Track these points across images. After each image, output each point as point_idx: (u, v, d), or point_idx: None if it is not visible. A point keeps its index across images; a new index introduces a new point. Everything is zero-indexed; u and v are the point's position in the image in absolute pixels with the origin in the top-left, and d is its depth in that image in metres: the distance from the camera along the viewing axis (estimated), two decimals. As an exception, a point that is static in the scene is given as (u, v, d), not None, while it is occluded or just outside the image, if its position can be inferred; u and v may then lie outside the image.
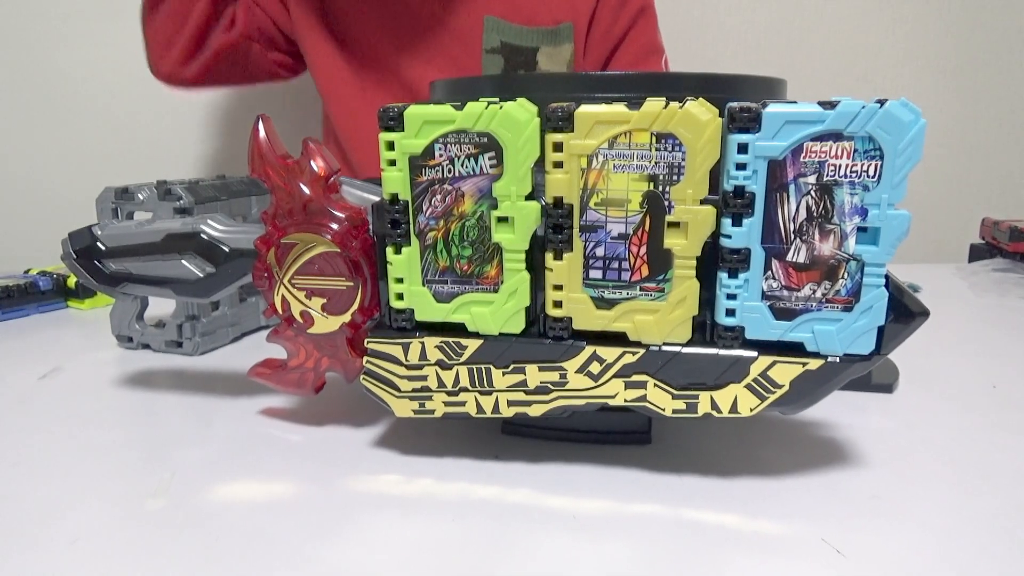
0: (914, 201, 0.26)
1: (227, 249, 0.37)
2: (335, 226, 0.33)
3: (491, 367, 0.32)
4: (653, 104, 0.28)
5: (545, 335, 0.32)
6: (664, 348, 0.31)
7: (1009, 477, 0.33)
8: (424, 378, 0.33)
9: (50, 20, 1.22)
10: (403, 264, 0.32)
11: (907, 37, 1.38)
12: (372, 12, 0.86)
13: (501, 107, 0.29)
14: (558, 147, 0.29)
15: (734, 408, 0.31)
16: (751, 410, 0.31)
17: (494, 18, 0.86)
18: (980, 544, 0.28)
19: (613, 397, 0.32)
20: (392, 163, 0.31)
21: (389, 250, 0.32)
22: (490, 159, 0.30)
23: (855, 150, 0.27)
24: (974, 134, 1.40)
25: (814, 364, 0.30)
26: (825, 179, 0.28)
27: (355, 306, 0.34)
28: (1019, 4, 1.34)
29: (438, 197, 0.31)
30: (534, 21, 0.88)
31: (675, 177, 0.29)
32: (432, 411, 0.34)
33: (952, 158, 1.40)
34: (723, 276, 0.30)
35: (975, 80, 1.39)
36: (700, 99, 0.28)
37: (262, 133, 0.34)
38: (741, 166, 0.28)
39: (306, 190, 0.33)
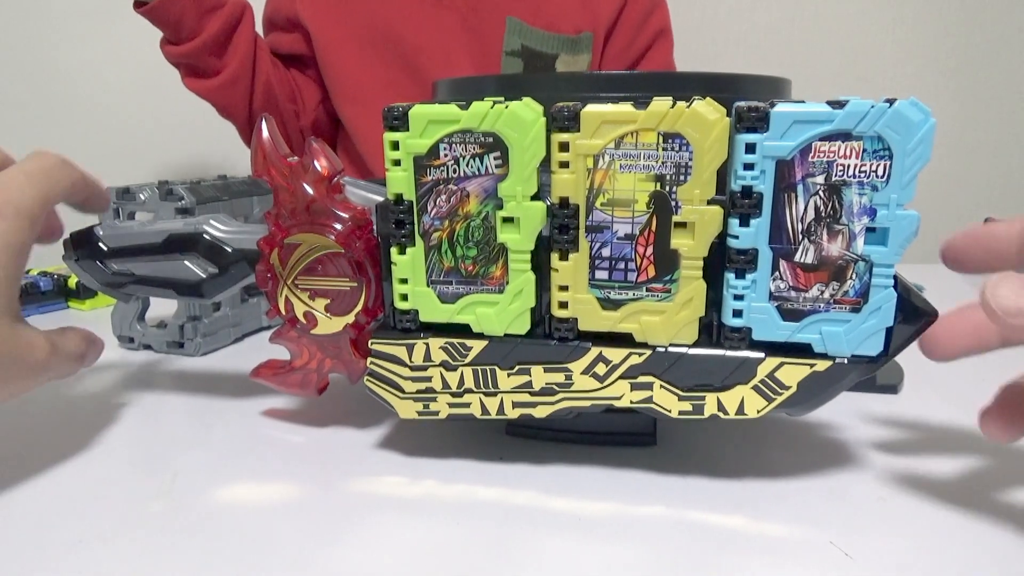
0: (915, 201, 0.26)
1: (230, 250, 0.36)
2: (339, 226, 0.33)
3: (496, 368, 0.32)
4: (660, 103, 0.28)
5: (551, 336, 0.32)
6: (670, 349, 0.31)
7: (1018, 479, 0.33)
8: (428, 379, 0.33)
9: (50, 20, 1.22)
10: (407, 265, 0.32)
11: (907, 37, 1.38)
12: (395, 8, 0.85)
13: (507, 107, 0.29)
14: (564, 147, 0.29)
15: (741, 410, 0.31)
16: (758, 412, 0.30)
17: (516, 20, 0.86)
18: (988, 547, 0.28)
19: (619, 398, 0.32)
20: (396, 163, 0.31)
21: (393, 250, 0.32)
22: (495, 159, 0.30)
23: (864, 150, 0.27)
24: (974, 134, 1.40)
25: (822, 365, 0.29)
26: (833, 179, 0.27)
27: (359, 307, 0.34)
28: (1019, 4, 1.34)
29: (443, 197, 0.31)
30: (555, 27, 0.87)
31: (682, 177, 0.29)
32: (436, 412, 0.34)
33: (952, 158, 1.40)
34: (730, 277, 0.29)
35: (975, 80, 1.38)
36: (707, 98, 0.28)
37: (265, 133, 0.34)
38: (749, 166, 0.28)
39: (310, 190, 0.33)
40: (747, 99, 0.28)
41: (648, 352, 0.31)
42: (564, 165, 0.29)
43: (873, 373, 0.30)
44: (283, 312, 0.35)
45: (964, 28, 1.38)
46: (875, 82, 1.41)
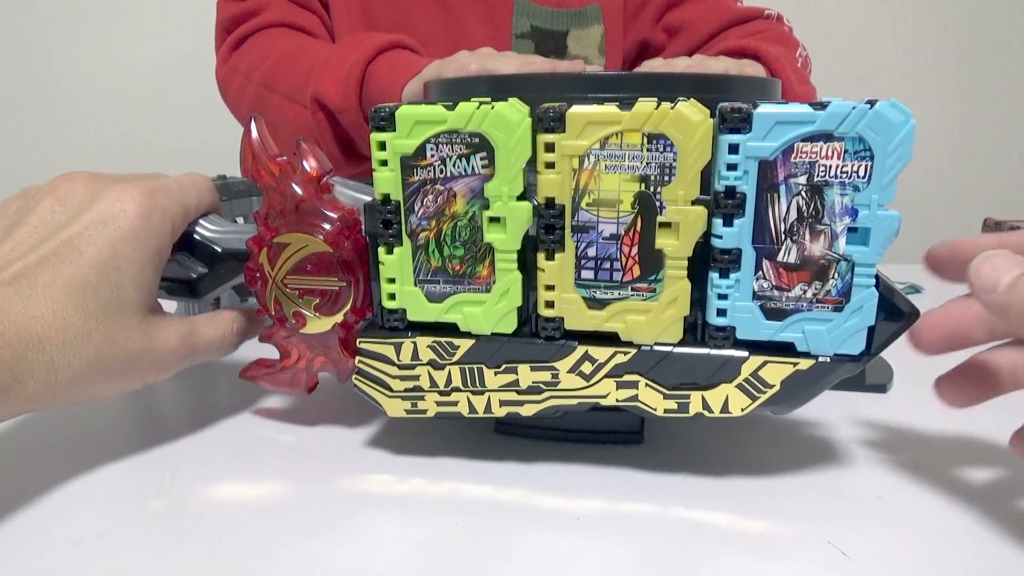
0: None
1: (219, 250, 0.37)
2: (327, 226, 0.34)
3: (483, 367, 0.33)
4: (644, 105, 0.28)
5: (537, 335, 0.32)
6: (655, 348, 0.31)
7: (1013, 477, 0.33)
8: (416, 378, 0.33)
9: (49, 20, 1.23)
10: (395, 264, 0.32)
11: (907, 37, 1.38)
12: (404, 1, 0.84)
13: (492, 107, 0.29)
14: (550, 147, 0.29)
15: (725, 408, 0.31)
16: (742, 410, 0.31)
17: (524, 1, 0.85)
18: (988, 547, 0.28)
19: (605, 397, 0.32)
20: (384, 163, 0.31)
21: (381, 250, 0.32)
22: (482, 159, 0.30)
23: (845, 151, 0.27)
24: (974, 134, 1.40)
25: (804, 364, 0.30)
26: (815, 180, 0.28)
27: (347, 306, 0.34)
28: (1019, 4, 1.34)
29: (430, 197, 0.31)
30: (563, 3, 0.86)
31: (666, 178, 0.29)
32: (424, 411, 0.34)
33: (953, 158, 1.40)
34: (714, 276, 0.30)
35: (975, 80, 1.39)
36: (691, 100, 0.28)
37: (255, 133, 0.34)
38: (732, 166, 0.28)
39: (298, 190, 0.34)
40: (733, 100, 0.28)
41: (633, 351, 0.31)
42: (550, 166, 0.29)
43: (855, 372, 0.30)
44: (272, 312, 0.35)
45: (964, 28, 1.38)
46: (875, 82, 1.41)
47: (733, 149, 0.28)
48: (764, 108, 0.27)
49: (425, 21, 0.85)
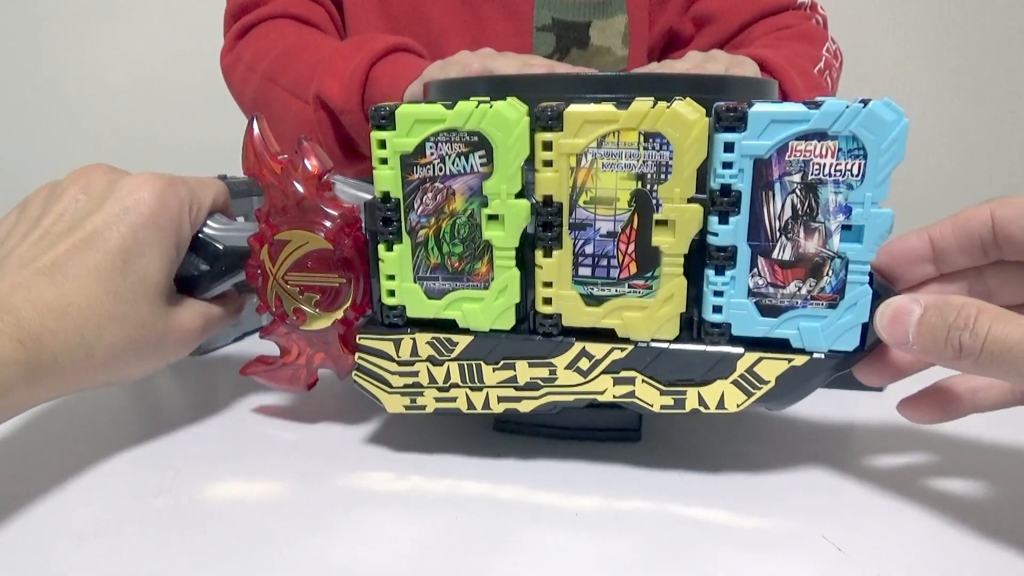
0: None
1: (221, 247, 0.37)
2: (328, 224, 0.34)
3: (481, 363, 0.33)
4: (641, 104, 0.28)
5: (535, 331, 0.32)
6: (652, 344, 0.31)
7: (1008, 474, 0.34)
8: (415, 374, 0.34)
9: (49, 20, 1.23)
10: (395, 261, 0.32)
11: (907, 37, 1.38)
12: None
13: (491, 106, 0.30)
14: (547, 146, 0.29)
15: (721, 404, 0.31)
16: (738, 406, 0.31)
17: None
18: (982, 543, 0.28)
19: (602, 393, 0.32)
20: (384, 161, 0.31)
21: (381, 247, 0.32)
22: (480, 158, 0.30)
23: (839, 149, 0.27)
24: (974, 134, 1.40)
25: (799, 360, 0.30)
26: (810, 178, 0.28)
27: (347, 303, 0.35)
28: (1019, 4, 1.34)
29: (429, 195, 0.31)
30: None
31: (663, 176, 0.29)
32: (423, 407, 0.34)
33: (952, 158, 1.40)
34: (710, 273, 0.30)
35: (975, 80, 1.39)
36: (687, 99, 0.29)
37: (256, 131, 0.35)
38: (727, 165, 0.28)
39: (300, 188, 0.34)
40: (730, 100, 0.28)
41: (630, 347, 0.31)
42: (548, 164, 0.30)
43: (849, 368, 0.30)
44: (272, 308, 0.36)
45: (964, 28, 1.38)
46: (875, 82, 1.41)
47: (728, 147, 0.28)
48: (759, 107, 0.28)
49: (443, 14, 0.84)
